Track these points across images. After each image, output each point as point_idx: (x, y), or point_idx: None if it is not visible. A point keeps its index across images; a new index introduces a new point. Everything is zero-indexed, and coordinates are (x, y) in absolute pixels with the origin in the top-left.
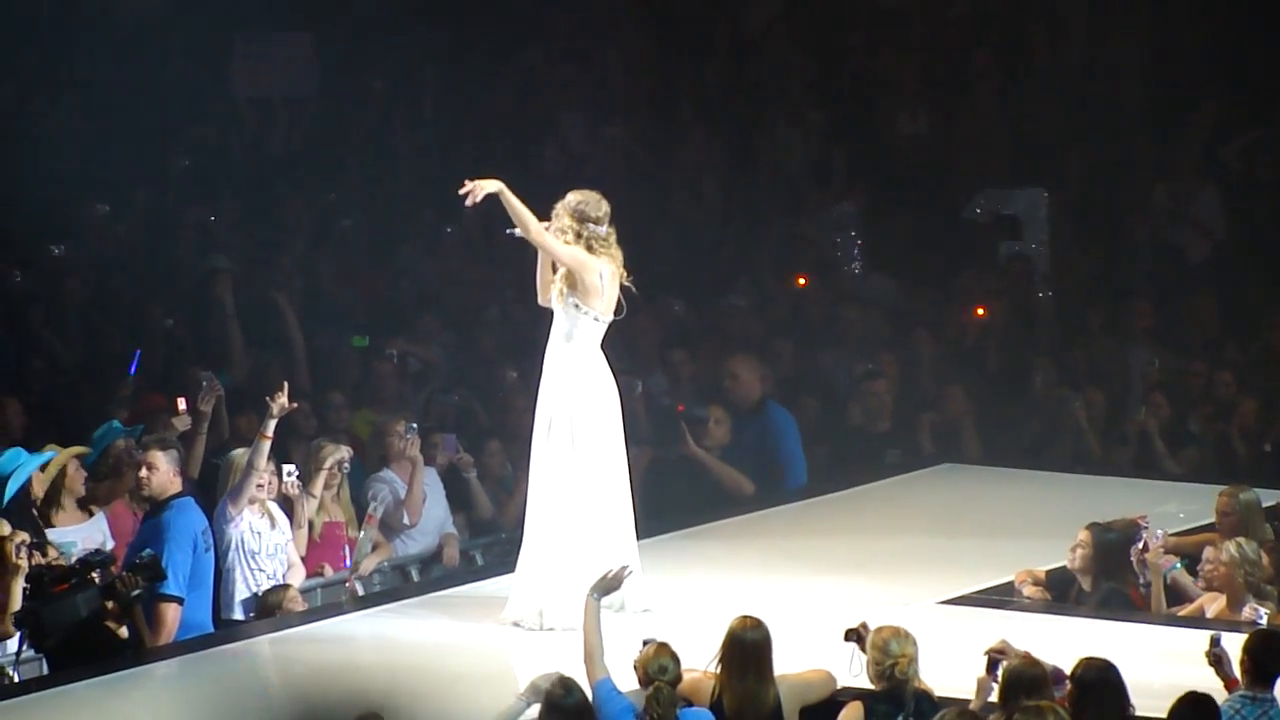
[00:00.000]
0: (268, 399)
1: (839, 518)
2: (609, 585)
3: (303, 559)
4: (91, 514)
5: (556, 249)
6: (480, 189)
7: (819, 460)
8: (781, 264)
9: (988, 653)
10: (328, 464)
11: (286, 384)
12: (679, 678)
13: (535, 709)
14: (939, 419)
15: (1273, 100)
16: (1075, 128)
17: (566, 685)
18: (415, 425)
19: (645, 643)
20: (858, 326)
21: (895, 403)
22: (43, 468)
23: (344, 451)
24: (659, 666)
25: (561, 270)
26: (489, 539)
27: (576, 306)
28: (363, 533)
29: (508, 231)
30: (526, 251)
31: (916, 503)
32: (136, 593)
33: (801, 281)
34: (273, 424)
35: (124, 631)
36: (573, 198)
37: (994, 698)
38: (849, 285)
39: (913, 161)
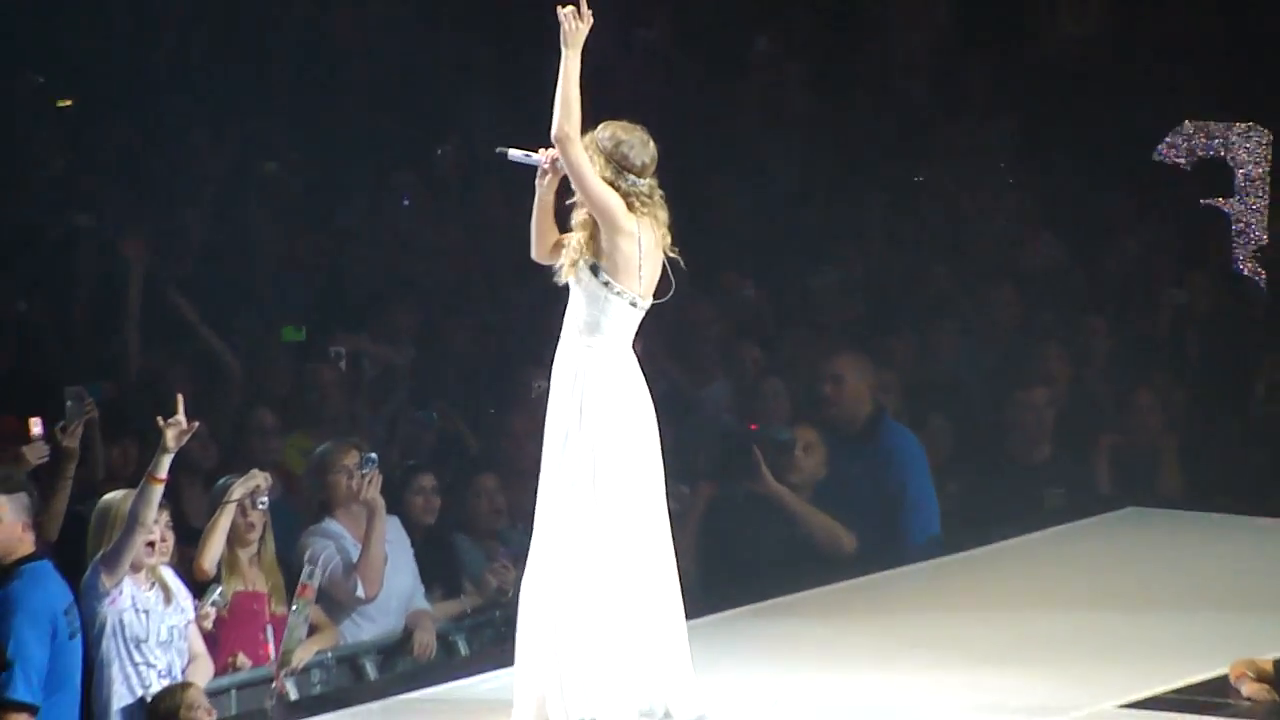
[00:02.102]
0: (160, 422)
1: (981, 585)
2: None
3: (210, 646)
4: None
5: (590, 180)
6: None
7: (951, 503)
8: (895, 224)
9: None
10: (236, 496)
11: (182, 397)
12: None
13: None
14: (1122, 443)
15: None
16: None
17: None
18: (373, 456)
19: None
20: (1008, 312)
21: (1060, 420)
22: None
23: (259, 479)
24: None
25: (579, 223)
26: (478, 618)
27: (606, 284)
28: (295, 609)
29: (498, 150)
30: (525, 200)
31: (1089, 562)
32: None
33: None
34: (167, 460)
35: None
36: (607, 133)
37: None
38: (995, 252)
39: (1077, 74)
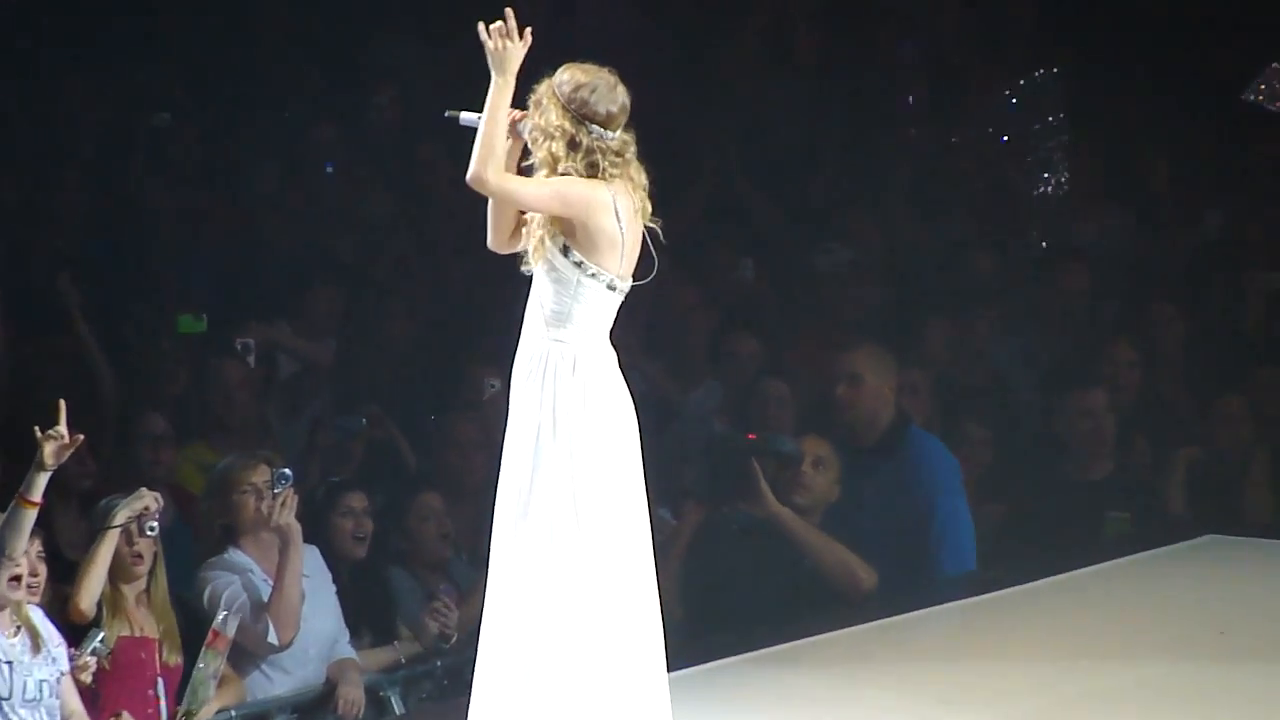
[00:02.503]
0: (36, 434)
1: (1026, 629)
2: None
3: (89, 703)
4: None
5: (532, 194)
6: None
7: (991, 530)
8: (923, 192)
9: None
10: (120, 521)
11: (64, 404)
12: None
13: None
14: (1201, 458)
15: None
16: None
17: None
18: (287, 473)
19: None
20: (1061, 299)
21: (1124, 429)
22: None
23: (148, 500)
24: None
25: (542, 216)
26: (415, 669)
27: (580, 265)
28: (202, 664)
29: (446, 113)
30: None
31: (1160, 601)
32: None
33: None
34: (43, 480)
35: None
36: (565, 75)
37: None
38: (1044, 227)
39: (1143, 9)
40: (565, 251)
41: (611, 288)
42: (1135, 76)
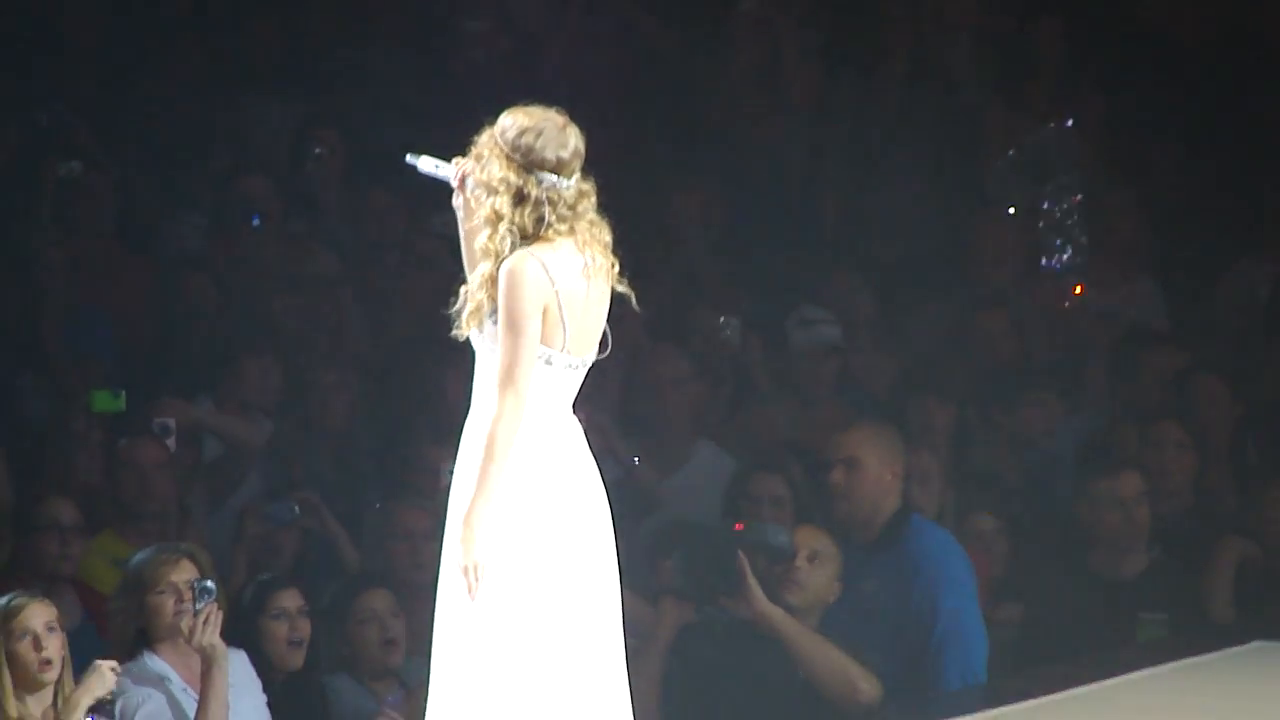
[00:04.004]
0: None
1: None
2: None
3: None
4: None
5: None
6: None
7: (1007, 635)
8: (929, 245)
9: None
10: (35, 627)
11: None
12: None
13: None
14: (1253, 553)
15: None
16: None
17: None
18: (210, 585)
19: None
20: (1090, 371)
21: (1160, 520)
22: None
23: (47, 611)
24: None
25: (481, 248)
26: None
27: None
28: None
29: (407, 158)
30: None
31: (1201, 717)
32: None
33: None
34: None
35: None
36: (507, 121)
37: None
38: (1068, 286)
39: (1175, 43)
40: (491, 321)
41: (570, 366)
42: (1167, 113)
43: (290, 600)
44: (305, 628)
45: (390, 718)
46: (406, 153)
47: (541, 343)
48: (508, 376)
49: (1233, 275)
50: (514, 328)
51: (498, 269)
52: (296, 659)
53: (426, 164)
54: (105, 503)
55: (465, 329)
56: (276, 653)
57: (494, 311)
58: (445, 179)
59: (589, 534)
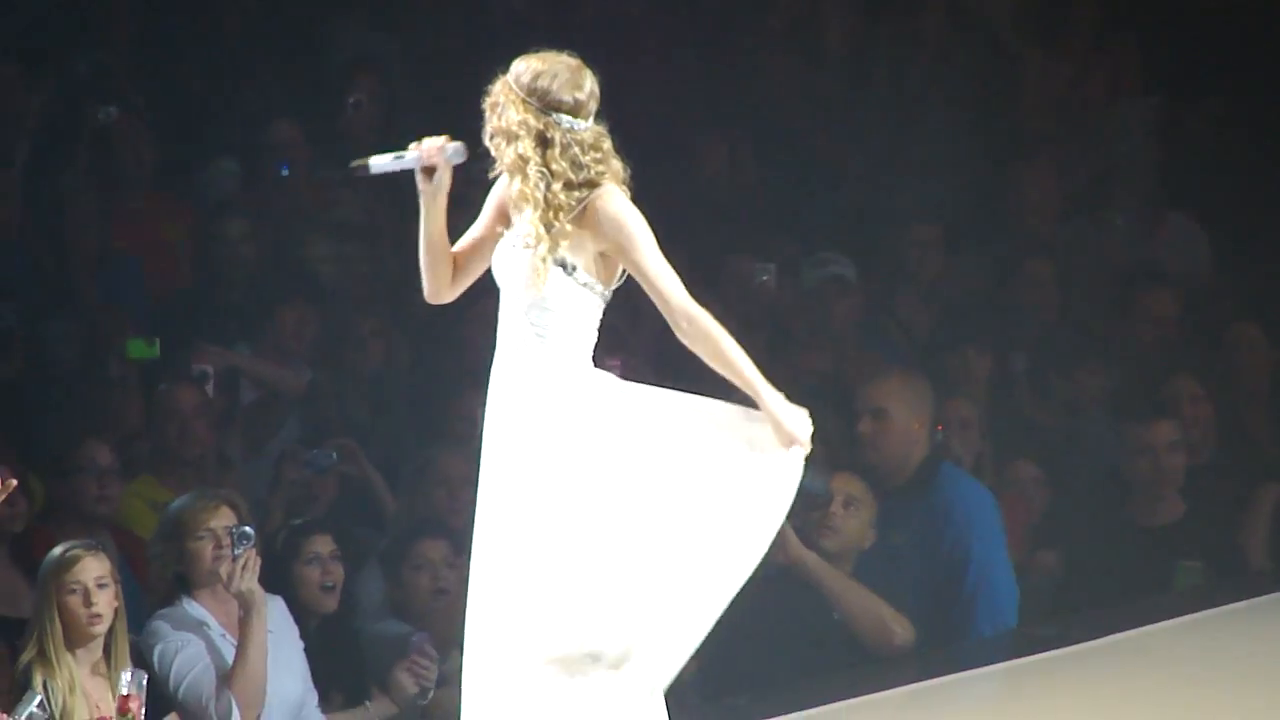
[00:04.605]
0: None
1: (1083, 695)
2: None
3: None
4: None
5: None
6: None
7: (1042, 580)
8: (963, 199)
9: None
10: (87, 580)
11: None
12: None
13: None
14: None
15: None
16: None
17: None
18: (249, 531)
19: None
20: (1127, 320)
21: (1195, 467)
22: None
23: (100, 566)
24: None
25: (521, 195)
26: None
27: (586, 285)
28: None
29: (353, 165)
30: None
31: (1235, 665)
32: None
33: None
34: None
35: None
36: (522, 68)
37: None
38: (1105, 241)
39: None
40: (567, 268)
41: (604, 298)
42: (1212, 75)
43: (323, 545)
44: (338, 572)
45: (421, 656)
46: (351, 162)
47: (602, 281)
48: (682, 293)
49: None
50: (655, 247)
51: (545, 216)
52: (330, 603)
53: (380, 162)
54: (143, 447)
55: (539, 289)
56: (310, 597)
57: (556, 261)
58: (408, 167)
59: (632, 480)
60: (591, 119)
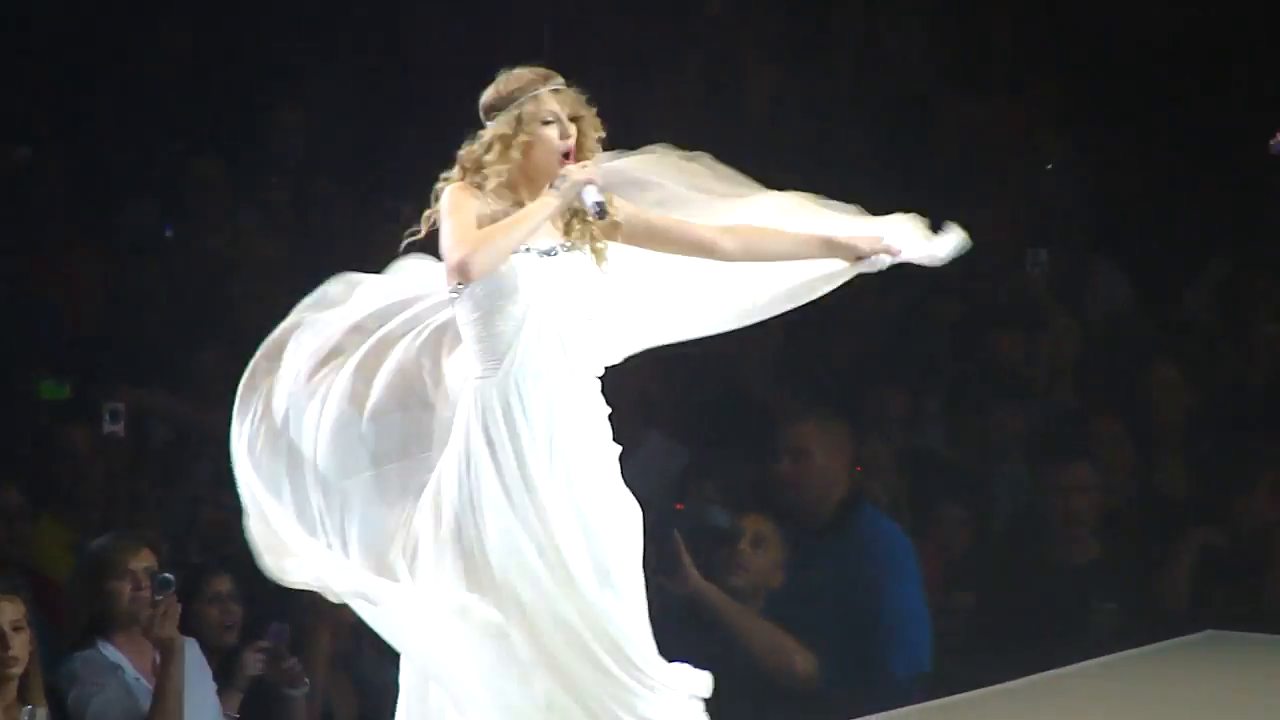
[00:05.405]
0: None
1: None
2: None
3: None
4: None
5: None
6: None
7: (959, 621)
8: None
9: None
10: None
11: None
12: None
13: None
14: (1216, 539)
15: None
16: None
17: None
18: (169, 577)
19: None
20: (1046, 359)
21: (1109, 506)
22: None
23: (14, 609)
24: None
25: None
26: None
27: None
28: None
29: (588, 201)
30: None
31: (1154, 711)
32: None
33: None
34: None
35: None
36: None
37: None
38: (1024, 277)
39: (1141, 39)
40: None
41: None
42: (1132, 113)
43: (222, 584)
44: (237, 611)
45: (269, 644)
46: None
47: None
48: (455, 245)
49: (1195, 267)
50: (449, 214)
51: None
52: (230, 641)
53: (590, 195)
54: (43, 488)
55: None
56: (213, 636)
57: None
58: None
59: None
60: (498, 116)
